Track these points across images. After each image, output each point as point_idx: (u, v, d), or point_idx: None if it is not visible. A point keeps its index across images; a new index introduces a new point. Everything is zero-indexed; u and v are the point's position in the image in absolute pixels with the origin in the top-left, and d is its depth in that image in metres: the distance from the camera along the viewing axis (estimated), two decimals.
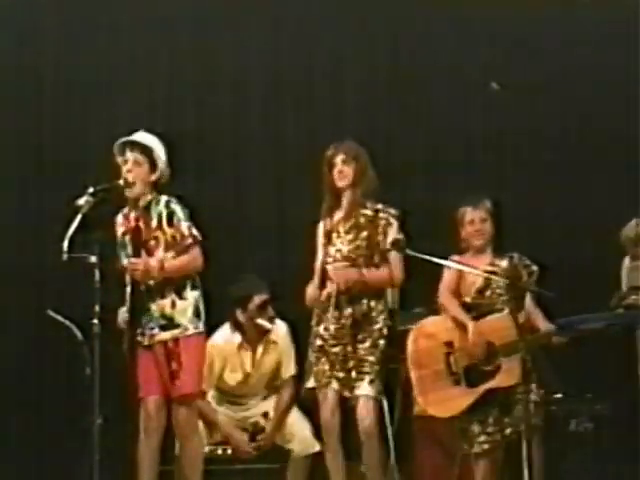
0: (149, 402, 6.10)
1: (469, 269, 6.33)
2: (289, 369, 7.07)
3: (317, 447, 6.84)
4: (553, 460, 6.39)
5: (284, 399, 7.05)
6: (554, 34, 8.35)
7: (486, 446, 6.30)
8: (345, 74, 8.41)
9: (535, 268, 6.46)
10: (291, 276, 7.43)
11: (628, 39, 8.06)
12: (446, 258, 6.32)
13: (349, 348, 6.27)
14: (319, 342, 6.32)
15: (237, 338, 7.06)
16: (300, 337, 6.99)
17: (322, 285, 6.39)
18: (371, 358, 6.26)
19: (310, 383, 6.36)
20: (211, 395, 7.12)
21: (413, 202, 7.46)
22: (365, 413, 6.24)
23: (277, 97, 8.37)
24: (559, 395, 6.76)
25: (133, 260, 6.06)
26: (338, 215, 6.44)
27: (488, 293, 6.40)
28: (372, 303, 6.34)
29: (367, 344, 6.28)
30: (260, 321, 7.00)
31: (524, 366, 5.98)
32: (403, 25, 8.39)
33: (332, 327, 6.29)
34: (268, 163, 8.31)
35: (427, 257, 6.07)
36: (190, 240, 6.08)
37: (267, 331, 7.05)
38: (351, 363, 6.26)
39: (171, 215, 6.09)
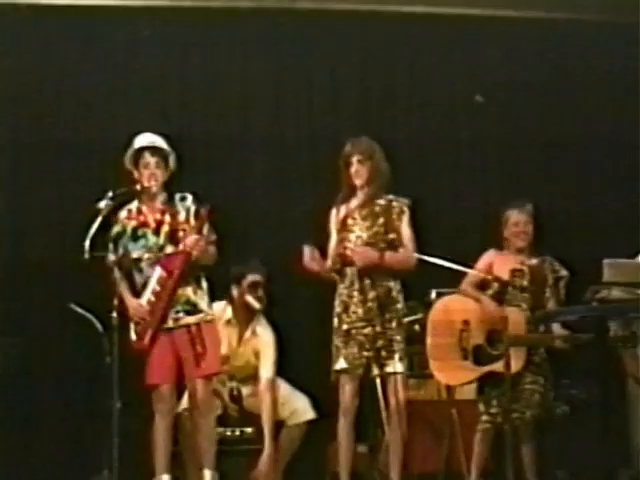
0: (163, 388, 6.09)
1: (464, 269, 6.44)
2: (267, 370, 6.95)
3: (310, 415, 6.90)
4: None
5: (266, 404, 6.86)
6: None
7: (487, 425, 6.42)
8: (342, 84, 8.36)
9: (565, 273, 6.64)
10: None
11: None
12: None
13: (378, 329, 6.19)
14: (345, 327, 6.25)
15: (228, 313, 6.99)
16: (301, 322, 7.15)
17: (339, 268, 6.33)
18: (398, 337, 6.24)
19: (339, 365, 6.25)
20: None
21: None
22: (399, 388, 6.21)
23: (279, 101, 8.33)
24: None
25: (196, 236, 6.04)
26: (354, 203, 6.40)
27: (510, 289, 6.50)
28: (391, 284, 6.30)
29: (394, 324, 6.24)
30: (249, 298, 6.94)
31: (532, 358, 6.26)
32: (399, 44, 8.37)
33: (360, 310, 6.22)
34: (271, 160, 8.24)
35: (439, 261, 6.24)
36: (213, 237, 6.16)
37: (255, 312, 6.99)
38: (380, 342, 6.19)
39: (198, 211, 6.12)
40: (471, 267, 6.58)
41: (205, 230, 6.07)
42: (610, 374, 6.36)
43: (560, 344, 6.40)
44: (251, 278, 6.97)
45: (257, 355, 7.01)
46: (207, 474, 6.13)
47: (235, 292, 7.00)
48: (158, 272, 6.08)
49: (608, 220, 8.12)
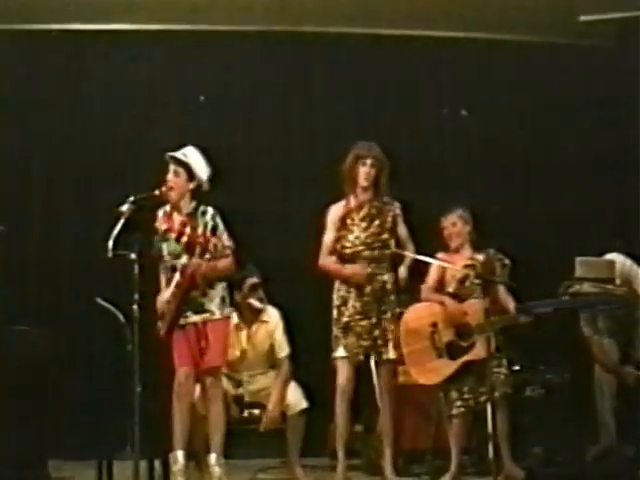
0: (180, 372, 6.29)
1: (448, 265, 6.69)
2: (283, 349, 7.00)
3: (302, 405, 6.86)
4: (511, 420, 6.58)
5: (282, 375, 6.93)
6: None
7: (462, 409, 6.62)
8: (339, 95, 8.71)
9: (508, 262, 6.80)
10: (292, 265, 7.84)
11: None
12: (432, 256, 6.63)
13: (374, 320, 6.49)
14: (345, 319, 6.52)
15: (235, 319, 6.98)
16: (298, 318, 7.23)
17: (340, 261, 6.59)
18: (392, 326, 6.53)
19: (339, 353, 6.52)
20: None
21: None
22: (391, 373, 6.56)
23: (282, 115, 8.68)
24: (517, 367, 7.04)
25: (194, 267, 6.20)
26: (352, 203, 6.61)
27: (467, 283, 6.72)
28: (386, 277, 6.58)
29: (388, 315, 6.54)
30: (251, 300, 7.00)
31: (494, 343, 6.36)
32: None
33: (358, 304, 6.50)
34: (274, 169, 8.58)
35: (419, 257, 6.51)
36: (228, 250, 6.30)
37: (259, 311, 7.04)
38: (376, 332, 6.49)
39: (215, 227, 6.30)
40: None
41: (220, 246, 6.13)
42: (580, 361, 6.74)
43: (524, 319, 6.54)
44: (250, 282, 7.01)
45: (271, 339, 7.04)
46: (212, 457, 6.29)
47: (238, 296, 6.98)
48: (177, 276, 6.30)
49: (579, 223, 8.38)
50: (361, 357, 6.52)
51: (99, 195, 8.18)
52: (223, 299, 6.43)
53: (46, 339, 6.63)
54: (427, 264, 6.74)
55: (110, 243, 5.91)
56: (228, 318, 6.50)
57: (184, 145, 6.49)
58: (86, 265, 8.02)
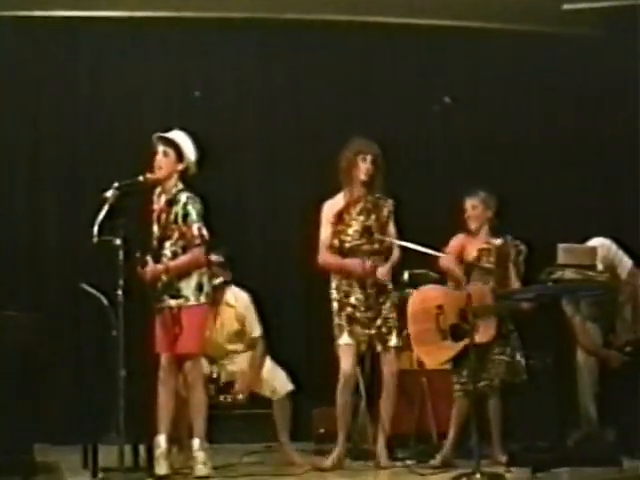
0: (163, 358, 6.29)
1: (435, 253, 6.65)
2: (254, 330, 7.02)
3: (288, 387, 6.90)
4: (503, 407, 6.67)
5: (256, 355, 6.97)
6: None
7: (459, 394, 6.64)
8: (325, 88, 8.72)
9: (523, 248, 6.83)
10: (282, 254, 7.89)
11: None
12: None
13: (375, 311, 6.51)
14: (349, 310, 6.52)
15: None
16: (280, 303, 7.33)
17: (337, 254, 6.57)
18: (392, 315, 6.57)
19: (344, 340, 6.51)
20: None
21: None
22: (395, 360, 6.57)
23: (270, 104, 8.68)
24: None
25: (140, 270, 6.20)
26: (347, 198, 6.62)
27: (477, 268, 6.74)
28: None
29: (388, 304, 6.57)
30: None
31: (500, 328, 6.50)
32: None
33: (362, 297, 6.51)
34: (262, 158, 8.60)
35: (415, 246, 6.48)
36: (198, 241, 6.22)
37: (222, 289, 7.00)
38: (379, 322, 6.52)
39: (186, 216, 6.22)
40: (442, 251, 6.77)
41: (189, 235, 6.17)
42: (562, 346, 6.74)
43: (527, 305, 6.64)
44: (213, 257, 6.86)
45: (237, 323, 7.05)
46: (196, 442, 6.25)
47: None
48: (150, 262, 6.25)
49: (562, 210, 8.43)
50: (363, 347, 6.54)
51: (84, 181, 8.19)
52: (200, 286, 6.33)
53: (31, 324, 6.59)
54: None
55: (95, 229, 5.91)
56: (204, 304, 6.38)
57: (171, 129, 6.49)
58: (71, 251, 8.04)
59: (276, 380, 6.96)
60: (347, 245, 6.61)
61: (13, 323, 6.50)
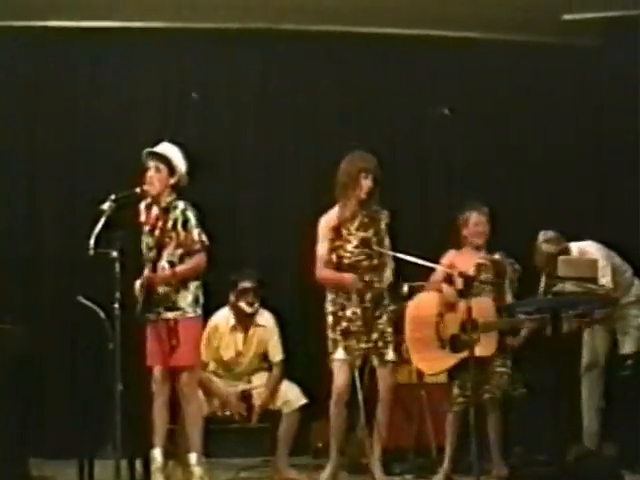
0: (155, 371, 6.29)
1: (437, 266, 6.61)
2: (277, 354, 7.20)
3: (302, 401, 6.98)
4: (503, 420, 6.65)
5: (274, 377, 7.13)
6: None
7: (463, 406, 6.55)
8: (323, 99, 8.69)
9: (518, 267, 6.78)
10: (280, 268, 7.86)
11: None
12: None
13: (371, 325, 6.46)
14: (345, 324, 6.47)
15: (232, 320, 7.20)
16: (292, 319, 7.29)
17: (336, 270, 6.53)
18: (389, 329, 6.52)
19: (338, 355, 6.47)
20: (212, 366, 7.25)
21: None
22: (391, 374, 6.52)
23: (267, 114, 8.59)
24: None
25: (149, 275, 6.26)
26: (345, 213, 6.55)
27: (476, 283, 6.61)
28: (380, 284, 6.56)
29: (384, 318, 6.51)
30: (241, 304, 7.14)
31: (501, 343, 6.47)
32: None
33: (358, 310, 6.45)
34: (259, 170, 8.54)
35: (414, 259, 6.37)
36: (198, 245, 6.26)
37: (250, 315, 7.17)
38: (374, 336, 6.47)
39: (186, 222, 6.25)
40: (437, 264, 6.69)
41: (189, 241, 6.22)
42: (563, 361, 6.61)
43: (529, 325, 6.63)
44: (241, 286, 7.15)
45: (265, 344, 7.23)
46: (192, 457, 6.27)
47: (232, 298, 7.20)
48: (146, 271, 6.34)
49: (560, 222, 7.95)
50: (358, 362, 6.48)
51: (81, 193, 8.11)
52: (196, 298, 6.35)
53: (28, 337, 6.61)
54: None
55: (92, 241, 5.89)
56: (200, 317, 6.43)
57: (161, 141, 6.49)
58: (68, 263, 7.98)
59: (290, 392, 7.05)
60: (346, 262, 6.56)
61: (7, 336, 6.48)
